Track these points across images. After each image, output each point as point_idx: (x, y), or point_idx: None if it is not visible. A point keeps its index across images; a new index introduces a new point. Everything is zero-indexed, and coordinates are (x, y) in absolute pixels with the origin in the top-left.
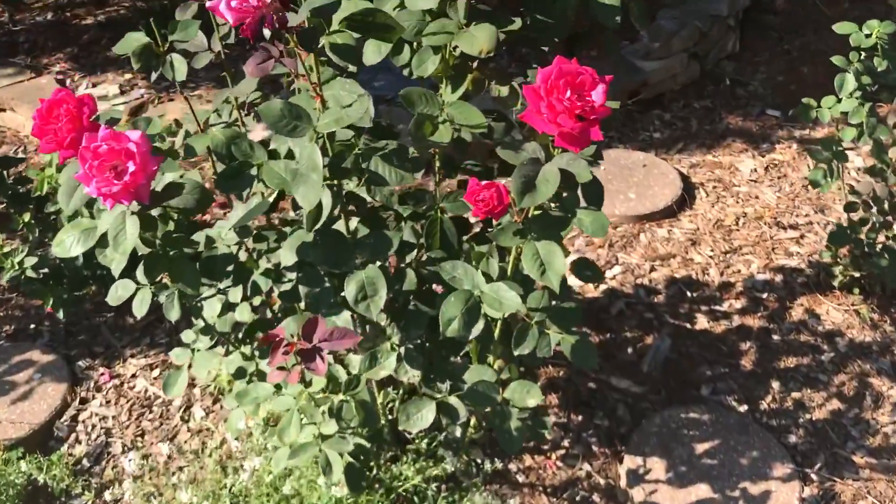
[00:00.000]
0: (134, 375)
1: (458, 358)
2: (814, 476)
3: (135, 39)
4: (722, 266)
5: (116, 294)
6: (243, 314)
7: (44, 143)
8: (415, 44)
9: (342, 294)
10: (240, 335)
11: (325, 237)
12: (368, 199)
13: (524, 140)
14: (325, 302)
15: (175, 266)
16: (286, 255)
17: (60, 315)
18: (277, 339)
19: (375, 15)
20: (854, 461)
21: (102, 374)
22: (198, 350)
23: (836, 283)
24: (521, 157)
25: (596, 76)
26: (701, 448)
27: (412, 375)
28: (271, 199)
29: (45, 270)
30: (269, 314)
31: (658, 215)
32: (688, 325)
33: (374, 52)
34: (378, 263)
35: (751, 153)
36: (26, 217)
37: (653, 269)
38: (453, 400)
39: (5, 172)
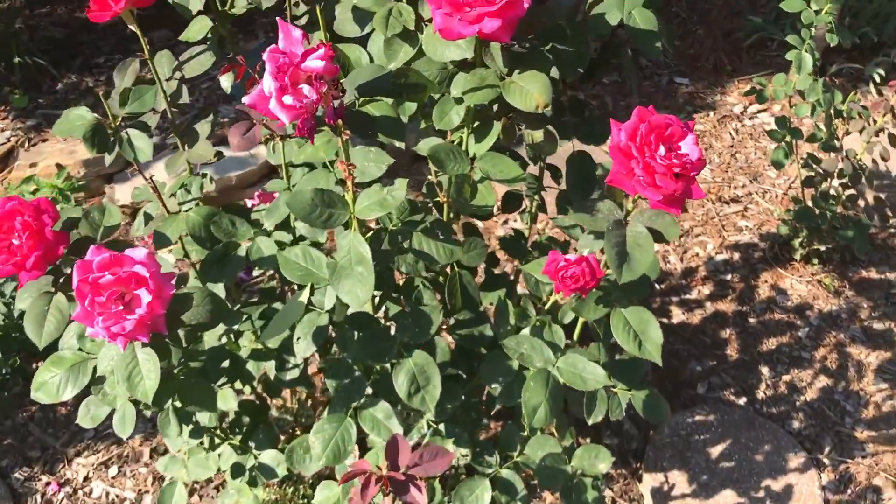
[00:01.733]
0: (87, 479)
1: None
2: (826, 461)
3: (78, 118)
4: (680, 251)
5: (89, 413)
6: (227, 401)
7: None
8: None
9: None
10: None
11: (358, 325)
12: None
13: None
14: (359, 393)
15: (188, 389)
16: (303, 347)
17: None
18: (366, 474)
19: (408, 75)
20: (857, 437)
21: (48, 483)
22: (188, 455)
23: (797, 257)
24: (599, 220)
25: (682, 124)
26: (716, 451)
27: (460, 455)
28: (305, 299)
29: None
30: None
31: None
32: (665, 320)
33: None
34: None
35: None
36: None
37: None
38: (506, 473)
39: None
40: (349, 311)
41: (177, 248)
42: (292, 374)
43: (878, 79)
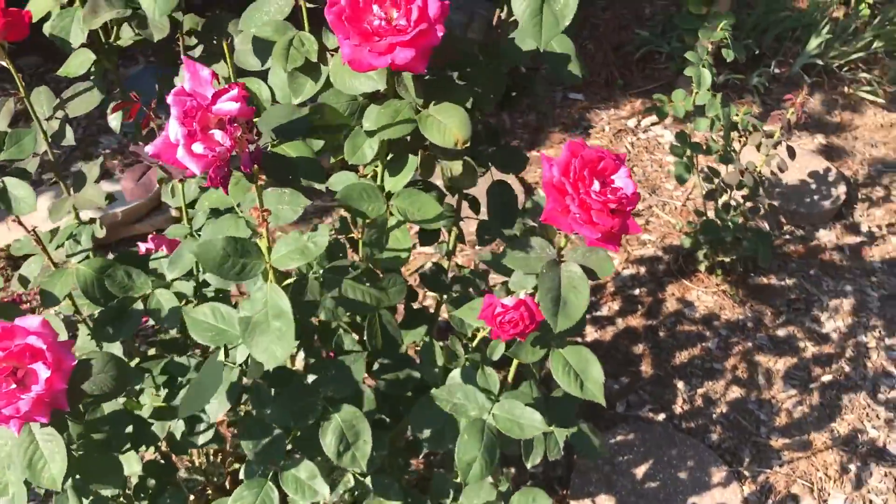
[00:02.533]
0: None
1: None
2: (746, 472)
3: None
4: None
5: None
6: (131, 465)
7: None
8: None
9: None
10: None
11: (277, 381)
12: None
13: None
14: (279, 453)
15: (91, 464)
16: (216, 407)
17: None
18: None
19: (324, 112)
20: (773, 446)
21: None
22: None
23: (702, 268)
24: (532, 261)
25: (613, 157)
26: (641, 472)
27: None
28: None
29: None
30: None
31: None
32: (578, 339)
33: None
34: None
35: None
36: None
37: None
38: None
39: None
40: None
41: (65, 303)
42: (205, 437)
43: (761, 89)
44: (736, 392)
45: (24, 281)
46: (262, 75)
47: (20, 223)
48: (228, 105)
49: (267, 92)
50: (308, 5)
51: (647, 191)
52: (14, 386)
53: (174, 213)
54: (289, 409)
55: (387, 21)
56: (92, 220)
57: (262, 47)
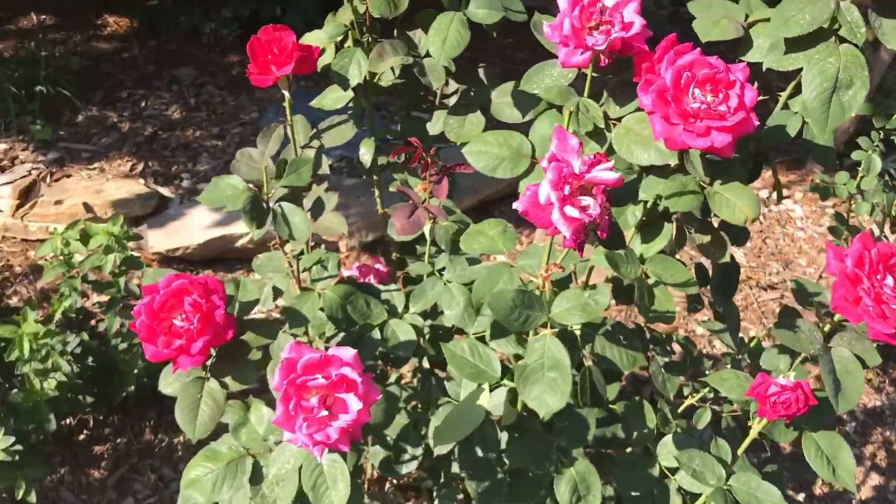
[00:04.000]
0: None
1: None
2: None
3: (230, 187)
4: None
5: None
6: None
7: (157, 348)
8: None
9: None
10: None
11: (517, 427)
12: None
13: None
14: (500, 496)
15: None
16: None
17: (33, 498)
18: None
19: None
20: None
21: None
22: None
23: None
24: (803, 342)
25: None
26: None
27: None
28: (485, 402)
29: (19, 447)
30: None
31: None
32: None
33: None
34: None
35: None
36: None
37: None
38: None
39: None
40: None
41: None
42: (409, 466)
43: None
44: (875, 479)
45: (277, 292)
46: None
47: (281, 246)
48: (605, 175)
49: (528, 146)
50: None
51: (781, 264)
52: (325, 413)
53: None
54: (528, 456)
55: (706, 105)
56: (337, 250)
57: (522, 102)
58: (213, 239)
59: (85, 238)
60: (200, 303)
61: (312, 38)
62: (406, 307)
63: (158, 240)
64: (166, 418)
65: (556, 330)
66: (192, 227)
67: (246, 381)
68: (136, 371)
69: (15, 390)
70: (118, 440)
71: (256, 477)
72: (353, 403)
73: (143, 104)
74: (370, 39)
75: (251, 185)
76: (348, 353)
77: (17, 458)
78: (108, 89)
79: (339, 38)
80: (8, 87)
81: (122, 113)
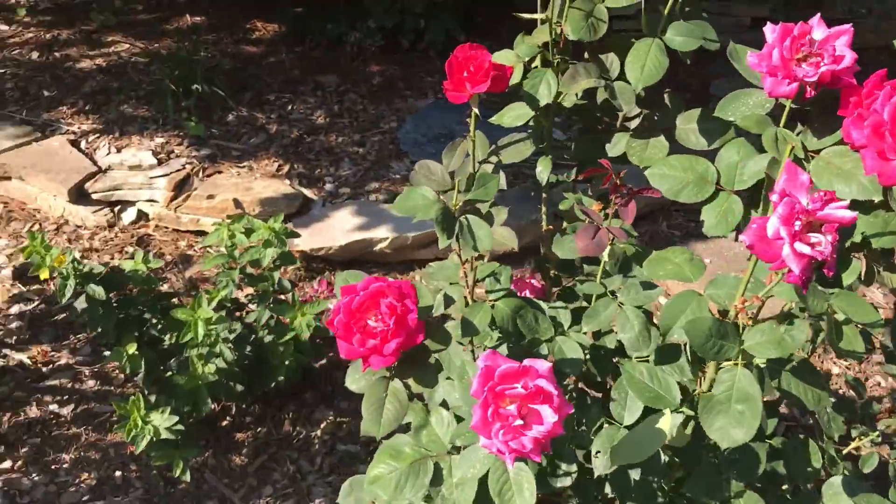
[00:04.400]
0: None
1: None
2: None
3: (421, 197)
4: None
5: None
6: None
7: (352, 346)
8: None
9: None
10: None
11: (689, 459)
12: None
13: None
14: None
15: None
16: (603, 463)
17: (187, 477)
18: None
19: None
20: None
21: None
22: None
23: None
24: None
25: None
26: None
27: None
28: (667, 428)
29: (180, 427)
30: None
31: None
32: None
33: None
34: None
35: None
36: (130, 348)
37: None
38: None
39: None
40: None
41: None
42: (563, 482)
43: None
44: None
45: (448, 300)
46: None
47: (459, 257)
48: (840, 213)
49: (713, 173)
50: None
51: None
52: (520, 422)
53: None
54: (702, 487)
55: None
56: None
57: (709, 129)
58: (354, 242)
59: (248, 232)
60: (395, 305)
61: (500, 58)
62: (571, 325)
63: (303, 239)
64: (304, 412)
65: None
66: (335, 229)
67: (429, 384)
68: (286, 363)
69: (169, 373)
70: (258, 429)
71: (437, 478)
72: (548, 415)
73: (289, 108)
74: (559, 61)
75: (442, 197)
76: (543, 365)
77: (178, 437)
78: (257, 91)
79: (528, 59)
80: (168, 84)
81: (269, 115)
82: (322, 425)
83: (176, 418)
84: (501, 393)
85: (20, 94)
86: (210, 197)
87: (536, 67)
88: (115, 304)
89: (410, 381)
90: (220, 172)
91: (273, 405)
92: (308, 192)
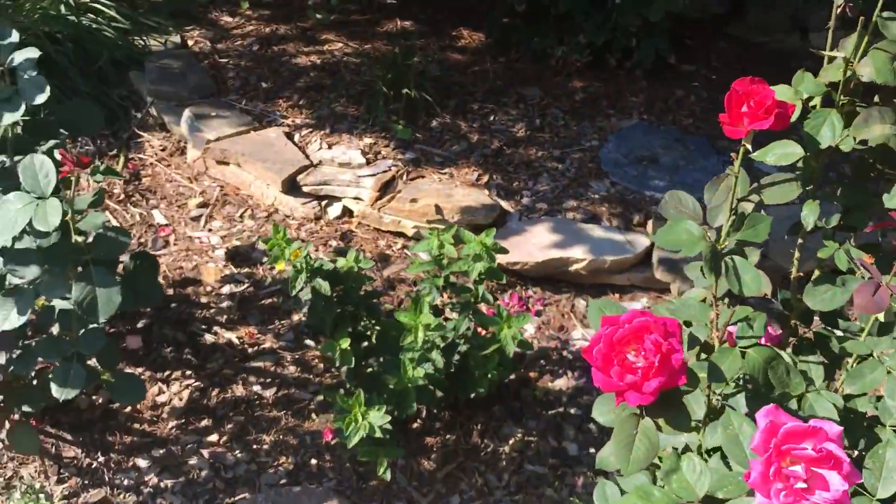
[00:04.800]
0: None
1: None
2: None
3: (685, 231)
4: None
5: None
6: None
7: (608, 379)
8: None
9: None
10: None
11: None
12: None
13: None
14: None
15: None
16: None
17: (388, 476)
18: None
19: None
20: None
21: None
22: None
23: None
24: None
25: None
26: None
27: None
28: None
29: (389, 426)
30: None
31: None
32: None
33: None
34: None
35: None
36: (344, 343)
37: None
38: None
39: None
40: None
41: None
42: None
43: None
44: None
45: (693, 341)
46: None
47: (714, 297)
48: None
49: None
50: None
51: None
52: (803, 485)
53: (658, 275)
54: None
55: None
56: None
57: None
58: (551, 260)
59: (457, 242)
60: (661, 343)
61: (780, 93)
62: (824, 382)
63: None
64: (492, 425)
65: None
66: (531, 245)
67: (682, 427)
68: (489, 375)
69: (370, 369)
70: (447, 436)
71: None
72: (836, 482)
73: (491, 118)
74: (844, 102)
75: (708, 234)
76: (833, 428)
77: (387, 436)
78: (460, 99)
79: (807, 97)
80: (381, 86)
81: (471, 124)
82: (510, 442)
83: (388, 418)
84: (785, 452)
85: (241, 84)
86: (413, 200)
87: (815, 107)
88: (335, 300)
89: (661, 422)
90: (422, 177)
91: (463, 414)
92: (505, 204)
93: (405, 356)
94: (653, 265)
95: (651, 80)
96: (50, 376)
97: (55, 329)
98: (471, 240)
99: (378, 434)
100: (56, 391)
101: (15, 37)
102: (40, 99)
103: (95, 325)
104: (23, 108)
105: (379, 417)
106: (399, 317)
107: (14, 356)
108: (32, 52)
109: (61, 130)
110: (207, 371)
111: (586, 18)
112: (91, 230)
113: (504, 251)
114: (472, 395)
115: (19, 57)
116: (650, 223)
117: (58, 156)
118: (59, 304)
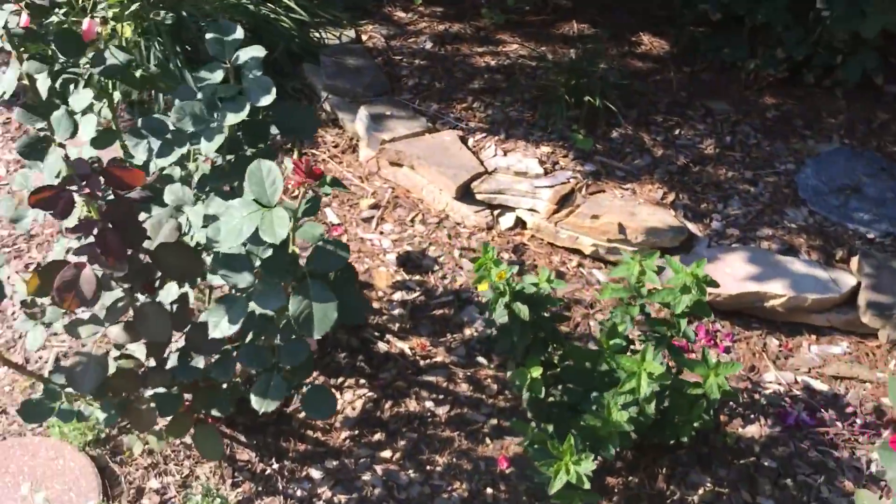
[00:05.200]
0: None
1: None
2: None
3: None
4: None
5: None
6: None
7: None
8: None
9: None
10: None
11: None
12: None
13: None
14: None
15: None
16: None
17: None
18: None
19: None
20: None
21: None
22: None
23: None
24: None
25: None
26: None
27: None
28: None
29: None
30: None
31: None
32: None
33: None
34: None
35: None
36: (535, 372)
37: None
38: None
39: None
40: None
41: None
42: None
43: None
44: None
45: None
46: None
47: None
48: None
49: None
50: None
51: None
52: None
53: (865, 319)
54: None
55: None
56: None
57: None
58: (747, 293)
59: (660, 271)
60: None
61: None
62: None
63: None
64: (679, 471)
65: None
66: (724, 275)
67: None
68: (695, 424)
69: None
70: (629, 477)
71: None
72: None
73: (676, 131)
74: None
75: None
76: None
77: (587, 482)
78: (642, 109)
79: None
80: (562, 92)
81: (654, 137)
82: (700, 491)
83: (594, 466)
84: None
85: (414, 83)
86: (594, 217)
87: None
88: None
89: None
90: (602, 191)
91: (647, 456)
92: (693, 227)
93: (610, 399)
94: (859, 307)
95: (851, 101)
96: (237, 380)
97: (249, 336)
98: (680, 269)
99: (585, 484)
100: (256, 402)
101: (240, 33)
102: (265, 101)
103: (297, 337)
104: (247, 108)
105: (589, 466)
106: (623, 361)
107: (213, 360)
108: (258, 51)
109: (275, 132)
110: (380, 381)
111: (789, 31)
112: (309, 242)
113: (715, 284)
114: (672, 442)
115: (244, 55)
116: (855, 259)
117: (289, 164)
118: (258, 309)
